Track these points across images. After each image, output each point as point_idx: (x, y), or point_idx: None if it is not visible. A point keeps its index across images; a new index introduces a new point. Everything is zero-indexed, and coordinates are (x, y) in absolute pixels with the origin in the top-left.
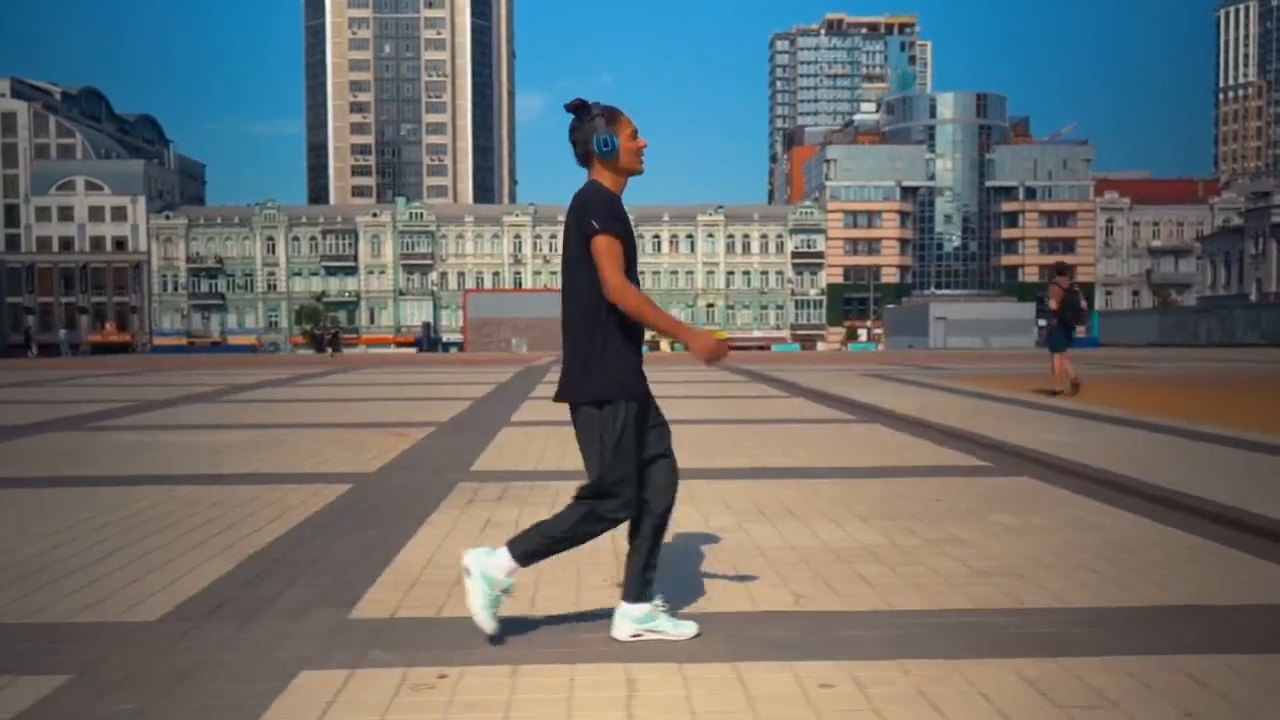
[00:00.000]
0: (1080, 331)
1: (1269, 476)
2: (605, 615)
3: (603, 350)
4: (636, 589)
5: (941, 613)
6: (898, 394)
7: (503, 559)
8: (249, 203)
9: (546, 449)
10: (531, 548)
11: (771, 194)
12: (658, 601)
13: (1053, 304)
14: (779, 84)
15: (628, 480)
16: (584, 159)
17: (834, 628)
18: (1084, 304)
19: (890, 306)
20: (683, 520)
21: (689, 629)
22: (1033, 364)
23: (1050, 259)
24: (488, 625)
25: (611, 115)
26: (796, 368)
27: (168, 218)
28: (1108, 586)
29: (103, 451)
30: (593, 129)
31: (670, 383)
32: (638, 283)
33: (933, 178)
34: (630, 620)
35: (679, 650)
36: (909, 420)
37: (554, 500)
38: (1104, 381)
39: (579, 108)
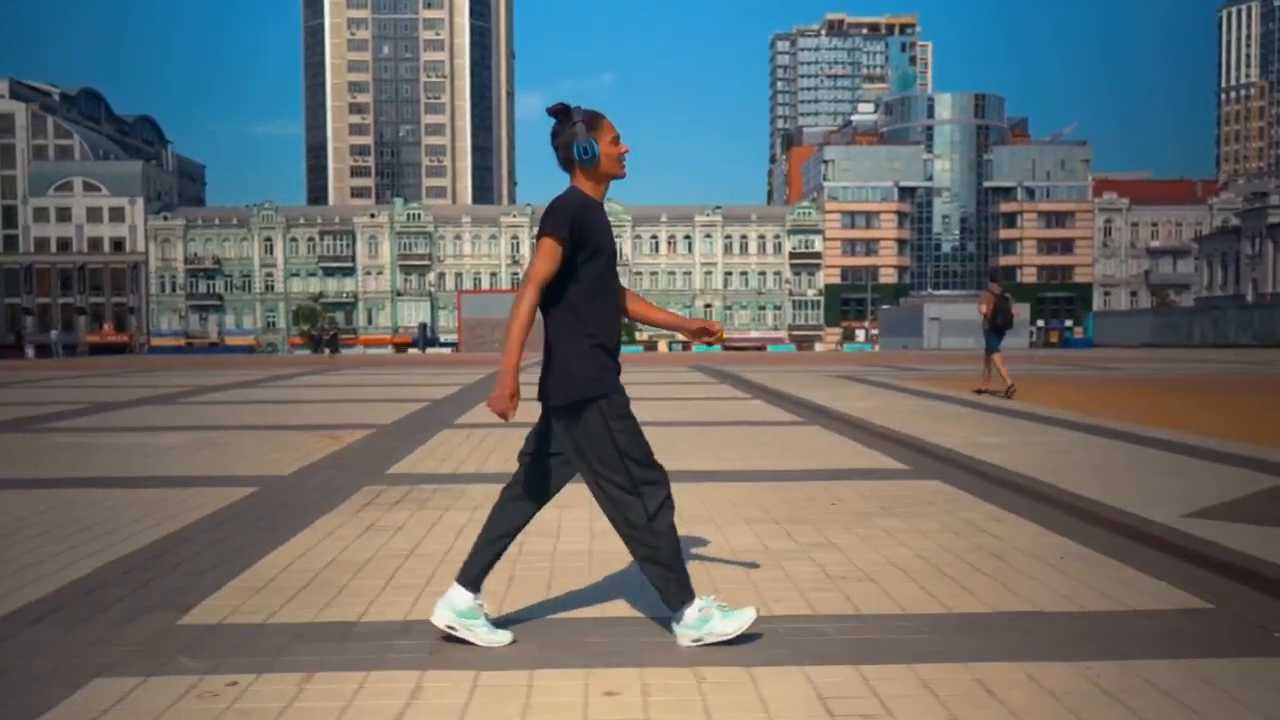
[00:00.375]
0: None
1: (1180, 479)
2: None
3: (590, 346)
4: (473, 575)
5: (771, 619)
6: (856, 396)
7: (689, 611)
8: (247, 203)
9: (474, 452)
10: (676, 585)
11: (771, 194)
12: (482, 601)
13: (984, 309)
14: (779, 84)
15: (650, 455)
16: (566, 164)
17: (654, 634)
18: (1015, 310)
19: (885, 307)
20: (565, 525)
21: (503, 638)
22: (1017, 366)
23: (1048, 259)
24: (748, 621)
25: (592, 121)
26: (776, 369)
27: (165, 219)
28: (953, 593)
29: (30, 454)
30: (573, 135)
31: (636, 384)
32: (617, 286)
33: (931, 178)
34: (451, 609)
35: (483, 658)
36: (852, 422)
37: (453, 504)
38: (1079, 383)
39: (560, 112)
